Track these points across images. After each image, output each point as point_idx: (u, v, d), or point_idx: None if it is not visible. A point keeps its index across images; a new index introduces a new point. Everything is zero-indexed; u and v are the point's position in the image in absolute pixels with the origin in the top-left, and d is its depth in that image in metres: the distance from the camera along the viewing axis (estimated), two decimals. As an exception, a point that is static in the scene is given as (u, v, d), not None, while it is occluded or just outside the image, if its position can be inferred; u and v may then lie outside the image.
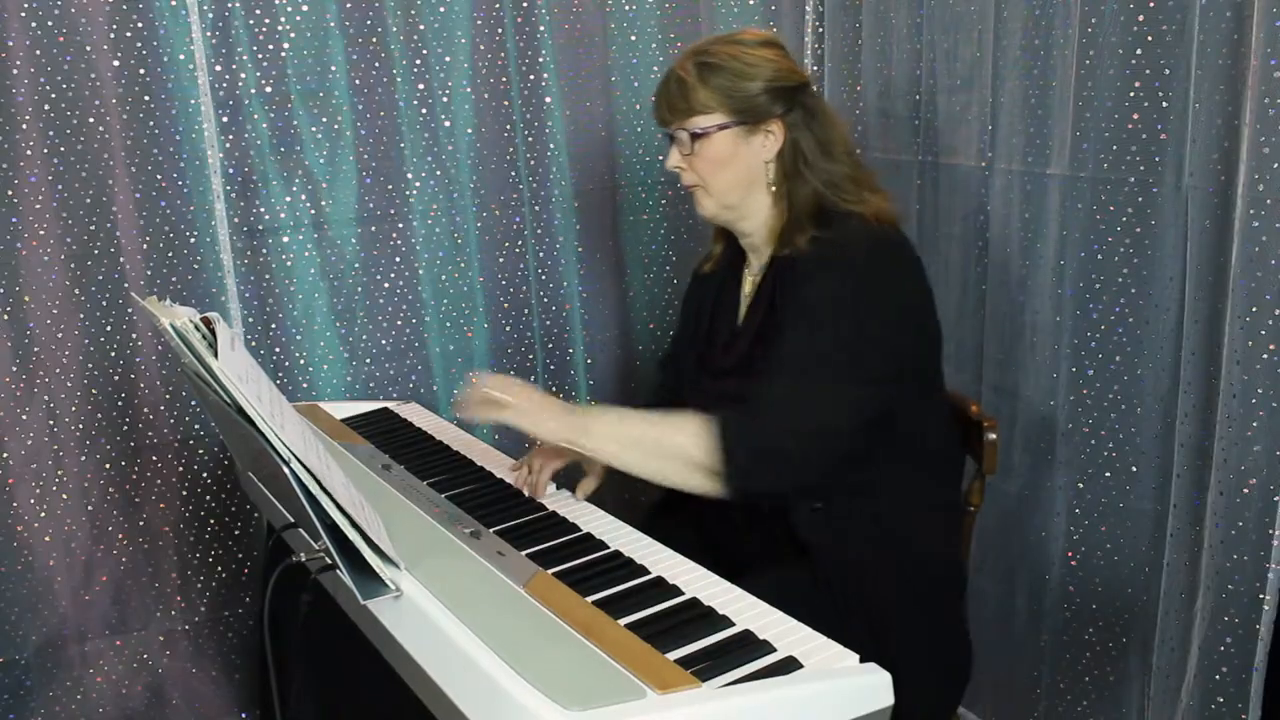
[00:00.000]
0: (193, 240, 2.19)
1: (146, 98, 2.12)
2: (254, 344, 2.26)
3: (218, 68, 2.15)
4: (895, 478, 1.60)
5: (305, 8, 2.18)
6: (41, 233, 2.09)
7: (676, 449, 1.51)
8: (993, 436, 1.75)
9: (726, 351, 1.74)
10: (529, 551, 1.45)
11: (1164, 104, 1.75)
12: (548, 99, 2.36)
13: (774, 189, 1.66)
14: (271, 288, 2.25)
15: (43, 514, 2.17)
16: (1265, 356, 1.56)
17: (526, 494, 1.69)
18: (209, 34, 2.13)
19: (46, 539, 2.17)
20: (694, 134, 1.62)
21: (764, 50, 1.64)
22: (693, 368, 1.81)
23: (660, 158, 2.46)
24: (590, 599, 1.30)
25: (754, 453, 1.49)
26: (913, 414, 1.61)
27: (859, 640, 1.21)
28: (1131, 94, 1.78)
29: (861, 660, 1.18)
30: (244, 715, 2.37)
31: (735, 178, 1.64)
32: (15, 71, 2.02)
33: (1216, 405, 1.65)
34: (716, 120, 1.61)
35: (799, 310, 1.56)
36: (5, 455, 2.12)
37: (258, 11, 2.15)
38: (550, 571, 1.37)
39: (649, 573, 1.39)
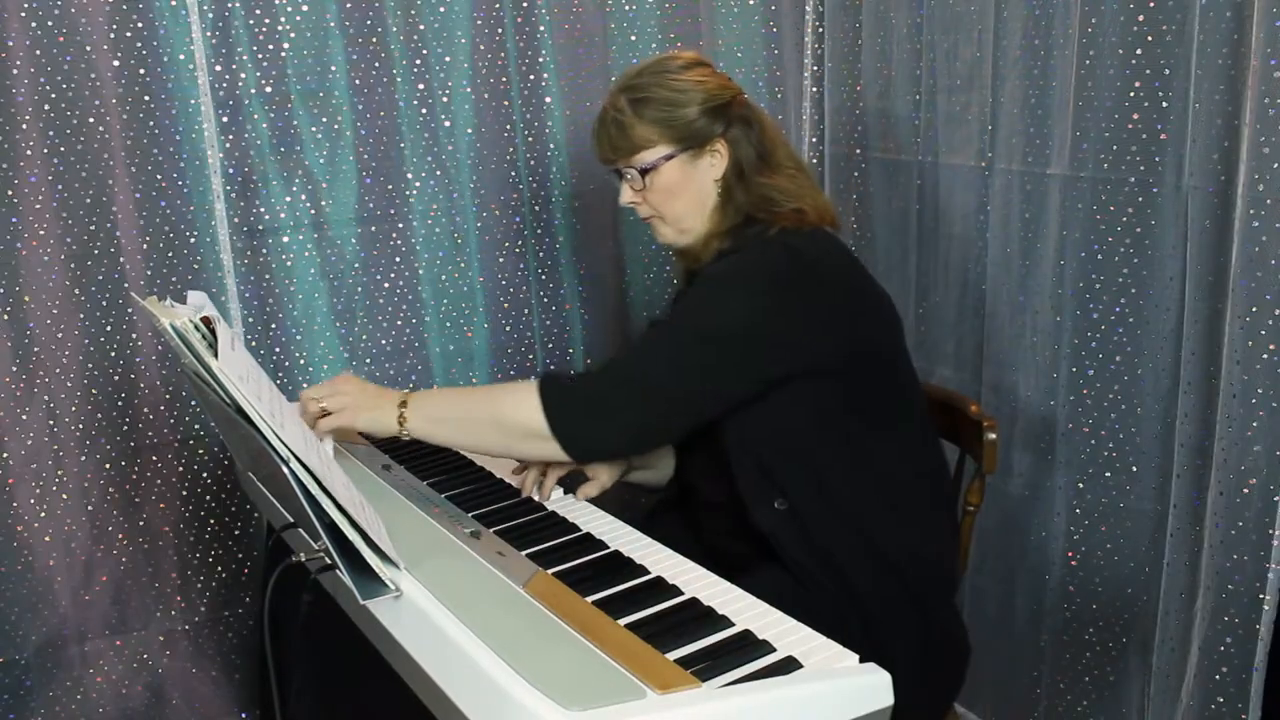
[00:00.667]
0: (193, 240, 2.19)
1: (146, 98, 2.12)
2: (254, 344, 2.26)
3: (218, 68, 2.15)
4: (863, 477, 1.59)
5: (305, 8, 2.18)
6: (41, 233, 2.09)
7: (500, 417, 1.55)
8: (993, 436, 1.75)
9: None
10: (529, 551, 1.45)
11: (1164, 104, 1.75)
12: (548, 99, 2.36)
13: (720, 208, 1.66)
14: (271, 288, 2.25)
15: (43, 514, 2.17)
16: (1265, 356, 1.56)
17: (535, 498, 1.68)
18: (209, 34, 2.13)
19: (46, 539, 2.17)
20: (643, 169, 1.63)
21: (692, 72, 1.65)
22: None
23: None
24: (590, 599, 1.30)
25: (573, 404, 1.52)
26: (874, 413, 1.60)
27: (853, 640, 1.21)
28: (1131, 94, 1.78)
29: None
30: (244, 715, 2.37)
31: (689, 203, 1.65)
32: (15, 71, 2.02)
33: (1216, 405, 1.65)
34: (661, 152, 1.62)
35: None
36: (5, 455, 2.12)
37: (258, 11, 2.15)
38: (550, 571, 1.37)
39: (649, 573, 1.38)
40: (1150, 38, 1.74)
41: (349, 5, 2.20)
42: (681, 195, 1.64)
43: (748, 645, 1.20)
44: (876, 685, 1.15)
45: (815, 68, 2.50)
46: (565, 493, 1.71)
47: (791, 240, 1.60)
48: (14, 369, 2.11)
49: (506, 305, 2.42)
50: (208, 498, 2.29)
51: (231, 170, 2.19)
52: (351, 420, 1.59)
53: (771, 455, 1.57)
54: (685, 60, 1.68)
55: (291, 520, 1.46)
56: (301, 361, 2.30)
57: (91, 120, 2.09)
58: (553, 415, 1.50)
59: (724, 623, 1.25)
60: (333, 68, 2.21)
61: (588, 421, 1.53)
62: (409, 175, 2.30)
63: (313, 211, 2.25)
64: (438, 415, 1.58)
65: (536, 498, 1.67)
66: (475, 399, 1.64)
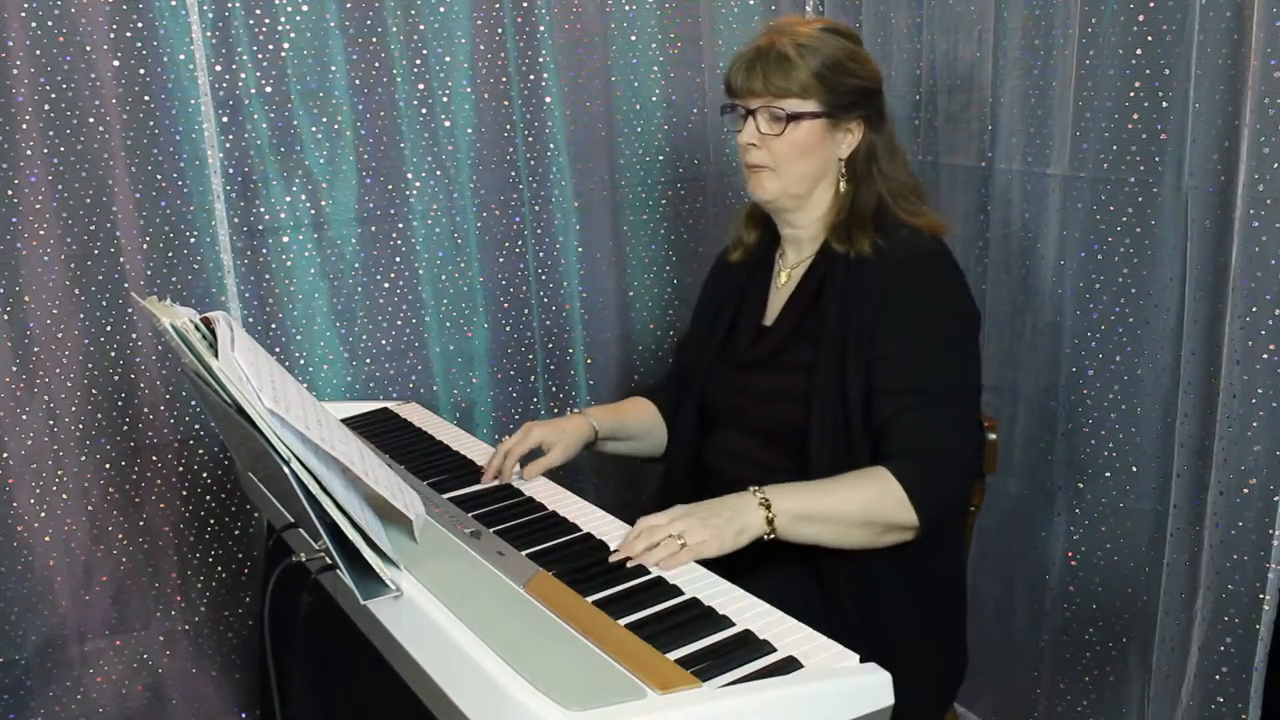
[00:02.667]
0: (193, 240, 2.19)
1: (146, 98, 2.12)
2: (254, 344, 2.26)
3: (218, 68, 2.15)
4: None
5: (305, 8, 2.18)
6: (41, 233, 2.09)
7: (872, 518, 1.51)
8: (993, 436, 1.75)
9: (756, 344, 1.73)
10: (529, 551, 1.45)
11: (1164, 104, 1.75)
12: (548, 99, 2.36)
13: (841, 188, 1.66)
14: (271, 288, 2.25)
15: (43, 514, 2.17)
16: (1265, 356, 1.56)
17: (498, 479, 1.71)
18: (209, 34, 2.13)
19: (46, 539, 2.17)
20: (790, 115, 1.60)
21: (856, 46, 1.65)
22: (711, 357, 1.79)
23: (660, 157, 2.48)
24: (590, 599, 1.30)
25: (941, 501, 1.54)
26: None
27: (856, 640, 1.21)
28: (1131, 94, 1.78)
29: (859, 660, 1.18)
30: (244, 715, 2.37)
31: (811, 169, 1.64)
32: (15, 71, 2.02)
33: (1216, 405, 1.65)
34: (811, 106, 1.61)
35: (899, 337, 1.56)
36: (5, 455, 2.12)
37: (258, 11, 2.15)
38: (550, 571, 1.37)
39: (649, 573, 1.38)
40: (1150, 38, 1.74)
41: (349, 5, 2.20)
42: (809, 158, 1.63)
43: (748, 645, 1.20)
44: (876, 685, 1.14)
45: (815, 68, 2.49)
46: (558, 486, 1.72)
47: (939, 248, 1.63)
48: (14, 369, 2.11)
49: (506, 305, 2.42)
50: (208, 498, 2.29)
51: (231, 170, 2.19)
52: (716, 550, 1.42)
53: (849, 455, 1.58)
54: (850, 32, 1.68)
55: (292, 520, 1.46)
56: (301, 361, 2.30)
57: (91, 120, 2.09)
58: (922, 514, 1.50)
59: (724, 622, 1.25)
60: (333, 68, 2.21)
61: (942, 507, 1.56)
62: (409, 175, 2.30)
63: (313, 211, 2.25)
64: (803, 514, 1.48)
65: (499, 479, 1.71)
66: (840, 497, 1.51)
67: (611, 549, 1.46)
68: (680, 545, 1.40)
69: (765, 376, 1.69)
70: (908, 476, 1.50)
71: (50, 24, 2.04)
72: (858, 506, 1.50)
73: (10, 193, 2.06)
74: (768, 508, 1.46)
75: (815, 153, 1.63)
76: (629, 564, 1.39)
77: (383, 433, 2.02)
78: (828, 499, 1.50)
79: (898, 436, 1.54)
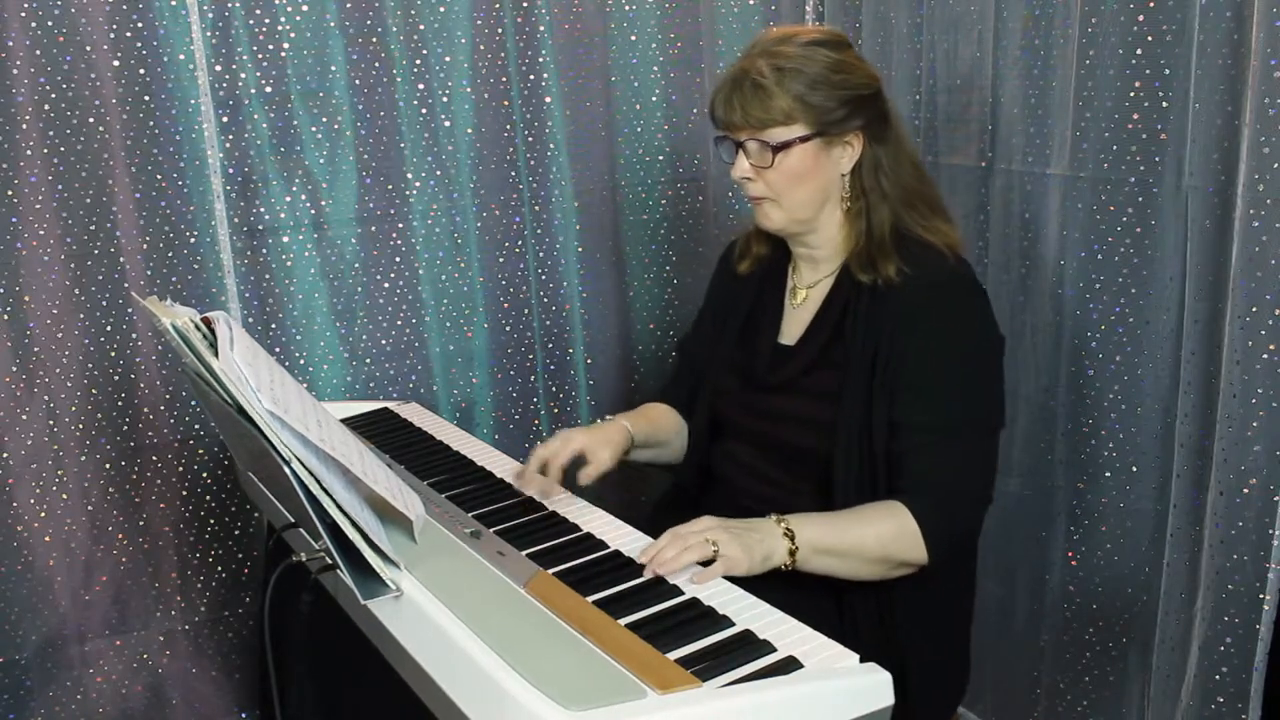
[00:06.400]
0: (193, 240, 2.19)
1: (146, 98, 2.12)
2: (254, 344, 2.25)
3: (218, 68, 2.15)
4: None
5: (305, 8, 2.18)
6: (41, 233, 2.09)
7: (889, 556, 1.49)
8: (993, 436, 1.75)
9: (775, 367, 1.67)
10: (529, 551, 1.45)
11: (1164, 104, 1.75)
12: (548, 99, 2.36)
13: (848, 204, 1.60)
14: (271, 288, 2.26)
15: (43, 514, 2.17)
16: (1265, 356, 1.56)
17: (536, 496, 1.64)
18: (209, 34, 2.13)
19: (46, 539, 2.17)
20: (774, 146, 1.53)
21: (842, 54, 1.56)
22: (729, 376, 1.74)
23: (660, 157, 2.48)
24: (590, 599, 1.30)
25: (955, 540, 1.54)
26: None
27: (859, 644, 1.21)
28: (1131, 94, 1.78)
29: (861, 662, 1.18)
30: (244, 715, 2.37)
31: (812, 192, 1.57)
32: (15, 71, 2.02)
33: (1216, 405, 1.65)
34: (797, 132, 1.52)
35: (924, 370, 1.52)
36: (5, 455, 2.13)
37: (258, 11, 2.15)
38: (550, 571, 1.37)
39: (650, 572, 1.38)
40: (1150, 38, 1.74)
41: (349, 5, 2.20)
42: (807, 183, 1.56)
43: (748, 645, 1.20)
44: (876, 685, 1.15)
45: (815, 68, 2.49)
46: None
47: (964, 271, 1.60)
48: (14, 369, 2.11)
49: (506, 305, 2.42)
50: (208, 498, 2.30)
51: (231, 170, 2.19)
52: (745, 569, 1.39)
53: (872, 485, 1.56)
54: (836, 39, 1.58)
55: (292, 520, 1.46)
56: (301, 361, 2.30)
57: (91, 120, 2.09)
58: (933, 553, 1.50)
59: (725, 622, 1.25)
60: (333, 68, 2.21)
61: (954, 544, 1.55)
62: (409, 175, 2.30)
63: (313, 211, 2.25)
64: (823, 547, 1.45)
65: (545, 495, 1.64)
66: (859, 533, 1.48)
67: (611, 549, 1.46)
68: (714, 550, 1.37)
69: (786, 400, 1.64)
70: (924, 515, 1.48)
71: (50, 24, 2.04)
72: (875, 543, 1.48)
73: (10, 193, 2.06)
74: (791, 539, 1.43)
75: (812, 176, 1.56)
76: (657, 572, 1.35)
77: (383, 433, 2.02)
78: (848, 535, 1.48)
79: (916, 472, 1.51)
